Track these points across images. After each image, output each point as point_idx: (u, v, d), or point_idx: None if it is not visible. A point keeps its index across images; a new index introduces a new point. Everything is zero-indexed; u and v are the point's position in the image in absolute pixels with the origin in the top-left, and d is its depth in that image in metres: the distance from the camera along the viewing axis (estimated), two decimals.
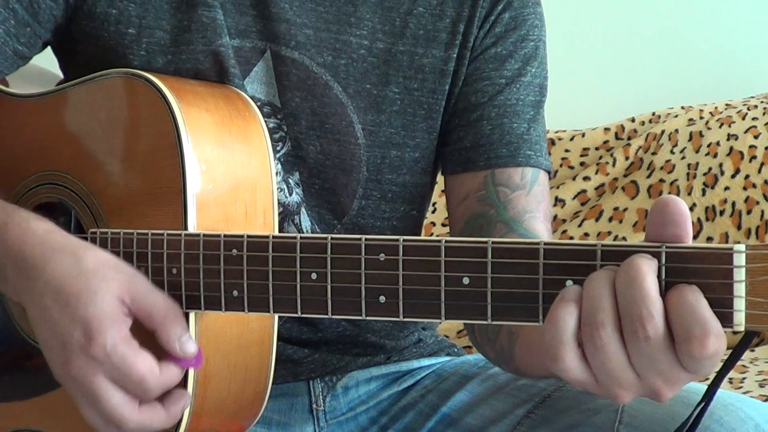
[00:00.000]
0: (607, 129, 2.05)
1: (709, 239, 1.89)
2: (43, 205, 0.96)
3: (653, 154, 1.98)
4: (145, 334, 0.80)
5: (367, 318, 0.75)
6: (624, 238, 1.93)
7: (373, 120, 1.02)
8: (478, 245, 0.70)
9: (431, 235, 1.95)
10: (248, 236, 0.79)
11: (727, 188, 1.90)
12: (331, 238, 0.75)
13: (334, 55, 1.01)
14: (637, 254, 0.65)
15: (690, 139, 1.97)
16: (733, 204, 1.89)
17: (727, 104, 2.02)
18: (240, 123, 0.93)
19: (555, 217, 1.97)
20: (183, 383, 0.85)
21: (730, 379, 1.59)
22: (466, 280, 0.70)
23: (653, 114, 2.05)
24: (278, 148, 1.01)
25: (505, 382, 1.06)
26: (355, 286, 0.74)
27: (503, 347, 0.91)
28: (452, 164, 1.06)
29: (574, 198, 1.99)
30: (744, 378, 1.59)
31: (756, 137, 1.92)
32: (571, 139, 2.05)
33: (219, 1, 0.98)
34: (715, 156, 1.93)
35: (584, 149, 2.03)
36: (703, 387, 0.74)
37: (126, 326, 0.78)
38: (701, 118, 1.99)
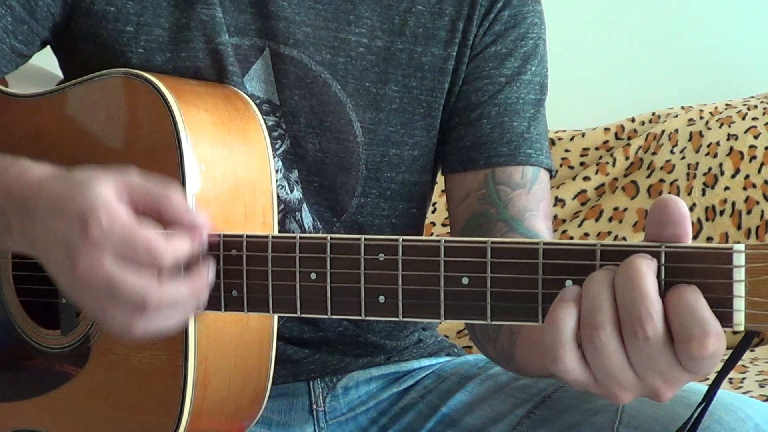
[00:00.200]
0: (607, 129, 2.05)
1: (709, 239, 1.89)
2: None
3: (653, 154, 1.98)
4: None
5: (367, 318, 0.75)
6: (624, 238, 1.92)
7: (372, 118, 1.02)
8: (477, 245, 0.70)
9: (431, 235, 1.95)
10: (248, 236, 0.79)
11: (727, 188, 1.90)
12: (331, 238, 0.75)
13: (332, 53, 1.01)
14: (637, 254, 0.65)
15: (690, 139, 1.97)
16: (733, 204, 1.89)
17: (727, 104, 2.02)
18: (239, 123, 0.93)
19: (555, 217, 1.97)
20: (183, 372, 0.85)
21: (730, 379, 1.59)
22: (465, 280, 0.70)
23: (653, 114, 2.05)
24: (277, 145, 1.01)
25: (505, 383, 1.06)
26: (355, 286, 0.74)
27: (504, 347, 0.91)
28: (452, 163, 1.06)
29: (574, 198, 1.99)
30: (744, 378, 1.59)
31: (756, 137, 1.92)
32: (571, 139, 2.05)
33: None
34: (715, 156, 1.93)
35: (584, 149, 2.03)
36: (703, 387, 0.74)
37: (123, 209, 0.74)
38: (701, 118, 1.99)
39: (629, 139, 2.03)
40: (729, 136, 1.94)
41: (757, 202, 1.88)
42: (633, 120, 2.05)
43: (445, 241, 0.71)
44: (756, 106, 1.98)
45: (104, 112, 0.93)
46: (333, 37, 1.01)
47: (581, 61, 2.22)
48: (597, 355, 0.64)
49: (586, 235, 1.95)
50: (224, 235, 0.79)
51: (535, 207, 1.01)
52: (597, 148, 2.03)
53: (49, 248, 0.77)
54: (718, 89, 2.13)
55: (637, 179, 1.97)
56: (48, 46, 1.03)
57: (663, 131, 1.99)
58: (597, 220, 1.96)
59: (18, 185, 0.80)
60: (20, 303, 1.01)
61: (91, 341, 0.93)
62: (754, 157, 1.91)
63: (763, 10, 2.26)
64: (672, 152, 1.96)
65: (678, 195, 1.91)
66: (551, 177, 1.07)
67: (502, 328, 0.92)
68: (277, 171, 1.00)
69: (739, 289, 0.63)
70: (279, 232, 0.98)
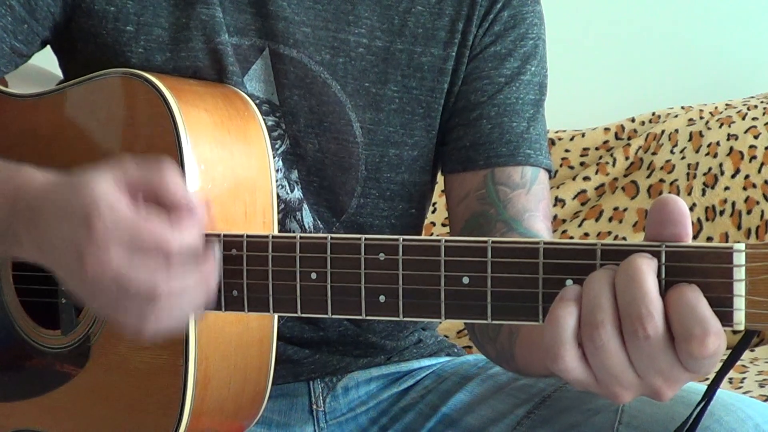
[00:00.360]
0: (607, 129, 2.05)
1: (709, 239, 1.89)
2: None
3: (653, 154, 1.98)
4: None
5: (367, 317, 0.74)
6: (624, 238, 1.92)
7: (371, 118, 1.02)
8: (477, 245, 0.70)
9: (431, 235, 1.95)
10: (248, 236, 0.79)
11: (727, 188, 1.90)
12: (331, 238, 0.75)
13: (332, 53, 1.01)
14: (637, 253, 0.65)
15: (690, 139, 1.97)
16: (733, 204, 1.89)
17: (727, 104, 2.02)
18: (239, 123, 0.93)
19: (555, 217, 1.97)
20: (183, 372, 0.85)
21: (730, 379, 1.59)
22: (465, 280, 0.70)
23: (653, 114, 2.05)
24: (277, 145, 1.01)
25: (505, 383, 1.06)
26: (355, 286, 0.74)
27: (504, 347, 0.91)
28: (452, 163, 1.06)
29: (574, 198, 1.99)
30: (744, 378, 1.59)
31: (756, 137, 1.92)
32: (571, 139, 2.05)
33: None
34: (715, 156, 1.93)
35: (584, 149, 2.03)
36: (703, 387, 0.74)
37: (123, 201, 0.73)
38: (701, 118, 1.99)
39: (629, 139, 2.03)
40: (729, 136, 1.94)
41: (757, 202, 1.88)
42: (633, 120, 2.05)
43: (446, 241, 0.71)
44: (756, 106, 1.98)
45: (104, 112, 0.93)
46: (332, 37, 1.01)
47: (581, 61, 2.22)
48: (597, 354, 0.64)
49: (586, 235, 1.95)
50: (224, 235, 0.79)
51: (535, 207, 1.01)
52: (597, 148, 2.03)
53: (58, 255, 0.76)
54: (718, 89, 2.13)
55: (637, 179, 1.97)
56: (48, 46, 1.03)
57: (663, 131, 1.99)
58: (597, 220, 1.96)
59: (23, 195, 0.80)
60: (20, 303, 1.01)
61: (91, 341, 0.93)
62: (754, 157, 1.91)
63: (763, 10, 2.26)
64: (672, 152, 1.96)
65: (678, 195, 1.90)
66: (550, 177, 1.07)
67: (501, 328, 0.92)
68: (277, 171, 1.00)
69: (740, 288, 0.63)
70: (279, 231, 0.98)
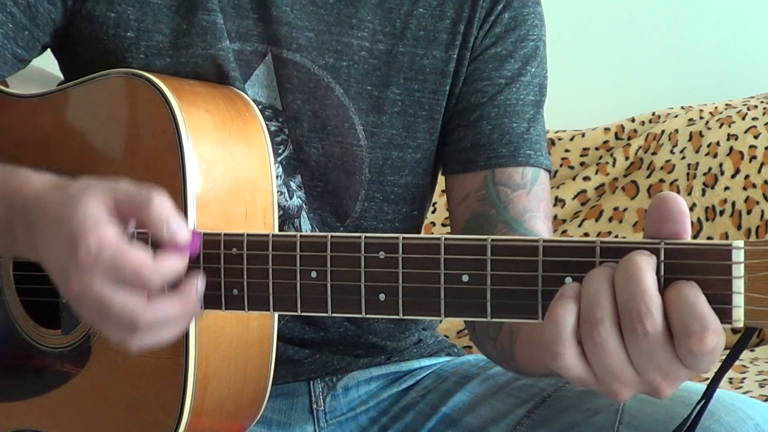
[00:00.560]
0: (607, 129, 2.05)
1: (709, 239, 1.89)
2: None
3: (653, 154, 1.98)
4: None
5: (367, 316, 0.75)
6: (624, 238, 1.92)
7: (374, 121, 1.03)
8: (477, 243, 0.70)
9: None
10: (248, 235, 0.79)
11: (727, 188, 1.90)
12: (331, 237, 0.75)
13: (335, 57, 1.01)
14: (636, 251, 0.65)
15: (690, 139, 1.97)
16: (733, 204, 1.89)
17: (727, 104, 2.02)
18: (240, 123, 0.93)
19: (555, 217, 1.97)
20: (184, 372, 0.85)
21: (730, 379, 1.59)
22: (465, 278, 0.70)
23: (653, 114, 2.05)
24: (280, 151, 1.01)
25: (505, 382, 1.06)
26: (355, 284, 0.74)
27: (504, 346, 0.92)
28: (452, 164, 1.06)
29: (574, 198, 1.99)
30: (744, 378, 1.59)
31: (756, 137, 1.92)
32: (571, 139, 2.05)
33: (219, 5, 0.98)
34: (715, 156, 1.93)
35: (584, 149, 2.03)
36: (703, 387, 0.74)
37: (111, 227, 0.74)
38: (701, 118, 1.99)
39: (629, 139, 2.03)
40: (729, 136, 1.94)
41: (757, 202, 1.88)
42: (633, 120, 2.05)
43: (446, 239, 0.71)
44: (756, 106, 1.98)
45: (105, 112, 0.93)
46: (335, 41, 1.01)
47: (581, 61, 2.22)
48: (597, 351, 0.64)
49: (586, 235, 1.95)
50: (225, 234, 0.79)
51: (535, 208, 1.01)
52: (597, 148, 2.03)
53: (50, 263, 0.78)
54: (718, 89, 2.13)
55: (637, 179, 1.97)
56: (49, 49, 1.03)
57: (663, 131, 1.99)
58: (597, 220, 1.96)
59: (20, 197, 0.81)
60: (21, 303, 1.01)
61: (91, 341, 0.93)
62: (754, 157, 1.91)
63: (763, 10, 2.26)
64: (672, 152, 1.96)
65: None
66: (550, 177, 1.07)
67: (501, 327, 0.92)
68: (277, 177, 0.99)
69: (738, 285, 0.63)
70: None
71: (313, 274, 0.76)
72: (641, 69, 2.26)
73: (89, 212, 0.74)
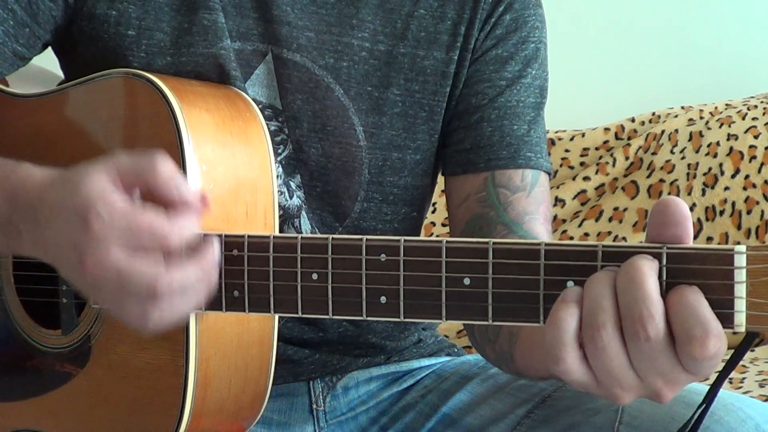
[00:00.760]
0: (607, 129, 2.05)
1: (709, 239, 1.89)
2: None
3: (653, 154, 1.98)
4: None
5: (368, 319, 0.75)
6: (624, 239, 1.93)
7: (374, 122, 1.02)
8: (478, 246, 0.70)
9: (431, 235, 1.95)
10: (249, 236, 0.79)
11: (727, 188, 1.90)
12: (332, 239, 0.75)
13: (335, 57, 1.01)
14: (638, 255, 0.65)
15: (690, 139, 1.97)
16: (733, 204, 1.89)
17: (727, 104, 2.02)
18: (241, 124, 0.93)
19: (555, 217, 1.97)
20: (184, 373, 0.85)
21: (730, 379, 1.59)
22: (467, 281, 0.70)
23: (653, 114, 2.05)
24: (279, 150, 1.01)
25: (505, 382, 1.06)
26: (356, 287, 0.74)
27: (503, 349, 0.92)
28: (452, 165, 1.06)
29: (574, 198, 1.99)
30: (744, 378, 1.59)
31: (756, 137, 1.92)
32: (571, 139, 2.05)
33: (220, 4, 0.98)
34: (715, 156, 1.93)
35: (584, 149, 2.03)
36: (703, 387, 0.74)
37: (118, 196, 0.73)
38: (701, 118, 1.99)
39: (629, 139, 2.03)
40: (729, 136, 1.94)
41: (757, 202, 1.88)
42: (633, 120, 2.05)
43: (447, 242, 0.71)
44: (756, 106, 1.98)
45: (106, 112, 0.93)
46: (336, 41, 1.01)
47: (581, 61, 2.22)
48: (598, 355, 0.64)
49: (586, 235, 1.95)
50: (225, 236, 0.79)
51: (535, 210, 1.01)
52: (597, 148, 2.03)
53: (58, 252, 0.77)
54: (718, 89, 2.13)
55: (637, 179, 1.97)
56: (49, 47, 1.03)
57: (663, 131, 1.99)
58: (597, 220, 1.96)
59: (22, 192, 0.80)
60: (21, 303, 1.01)
61: (91, 341, 0.93)
62: (754, 157, 1.91)
63: (763, 10, 2.26)
64: (672, 152, 1.96)
65: (678, 195, 1.91)
66: (550, 179, 1.07)
67: (501, 329, 0.92)
68: (277, 177, 0.99)
69: (740, 290, 0.63)
70: None
71: (314, 276, 0.76)
72: (641, 69, 2.26)
73: (94, 186, 0.73)
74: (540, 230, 0.99)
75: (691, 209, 1.86)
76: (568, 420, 0.96)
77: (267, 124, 0.95)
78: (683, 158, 1.95)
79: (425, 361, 1.14)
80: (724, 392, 0.85)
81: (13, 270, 1.02)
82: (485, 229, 0.99)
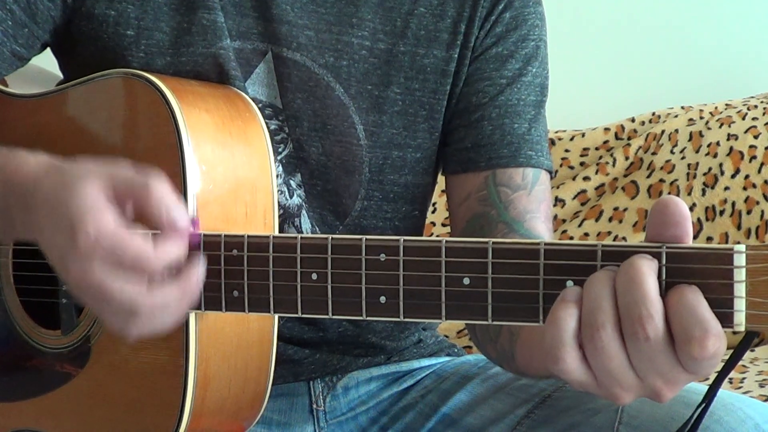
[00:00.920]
0: (607, 129, 2.05)
1: (709, 239, 1.89)
2: None
3: (653, 154, 1.98)
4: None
5: (368, 318, 0.75)
6: (624, 238, 1.93)
7: (374, 121, 1.02)
8: (478, 246, 0.70)
9: (431, 235, 1.95)
10: (249, 236, 0.79)
11: (727, 188, 1.90)
12: (332, 239, 0.75)
13: (335, 56, 1.01)
14: (638, 255, 0.65)
15: (690, 139, 1.97)
16: (733, 204, 1.89)
17: (727, 104, 2.02)
18: (240, 124, 0.93)
19: (555, 217, 1.97)
20: (184, 373, 0.85)
21: (730, 379, 1.59)
22: (466, 281, 0.70)
23: (653, 114, 2.05)
24: (280, 149, 1.01)
25: (505, 382, 1.06)
26: (356, 287, 0.74)
27: (504, 347, 0.92)
28: (453, 164, 1.06)
29: (574, 198, 1.99)
30: (744, 378, 1.59)
31: (756, 137, 1.92)
32: (571, 139, 2.05)
33: (219, 3, 0.98)
34: (715, 156, 1.93)
35: (584, 149, 2.03)
36: (703, 387, 0.74)
37: (109, 212, 0.74)
38: (701, 118, 1.99)
39: (629, 139, 2.03)
40: (729, 136, 1.94)
41: (757, 202, 1.88)
42: (633, 120, 2.05)
43: (447, 242, 0.71)
44: (756, 106, 1.98)
45: (105, 113, 0.93)
46: (336, 40, 1.01)
47: (581, 61, 2.22)
48: (598, 355, 0.64)
49: (586, 235, 1.95)
50: (225, 236, 0.79)
51: (536, 208, 1.01)
52: (597, 148, 2.03)
53: (49, 250, 0.77)
54: (718, 89, 2.13)
55: (637, 179, 1.97)
56: (48, 48, 1.03)
57: (663, 131, 1.99)
58: (597, 220, 1.96)
59: (18, 180, 0.80)
60: (20, 303, 1.01)
61: (91, 341, 0.93)
62: (754, 157, 1.91)
63: (763, 10, 2.26)
64: (672, 152, 1.96)
65: (678, 195, 1.91)
66: (551, 178, 1.07)
67: (502, 328, 0.92)
68: (277, 176, 0.99)
69: (740, 289, 0.63)
70: None
71: (314, 276, 0.76)
72: (641, 69, 2.26)
73: (87, 199, 0.74)
74: (541, 229, 0.99)
75: (691, 209, 1.86)
76: (568, 420, 0.96)
77: (267, 123, 0.96)
78: (683, 158, 1.95)
79: (425, 361, 1.14)
80: (724, 392, 0.85)
81: (13, 270, 1.02)
82: (486, 227, 0.99)
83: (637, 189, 1.96)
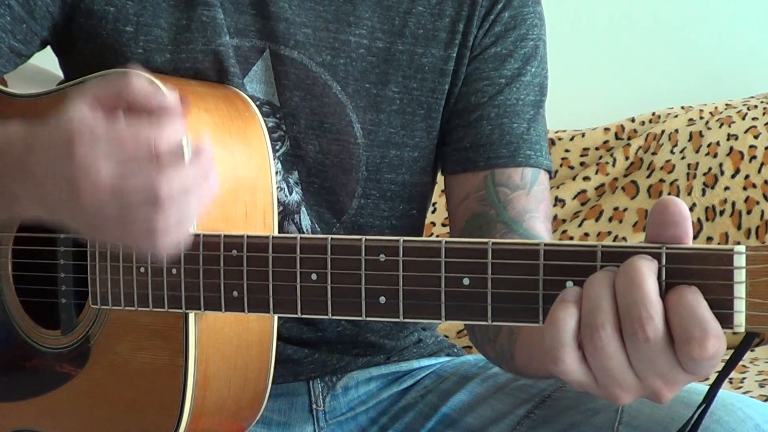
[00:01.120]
0: (607, 129, 2.05)
1: (709, 239, 1.89)
2: None
3: (653, 154, 1.98)
4: None
5: (367, 319, 0.75)
6: (624, 238, 1.93)
7: (372, 119, 1.02)
8: (478, 246, 0.70)
9: (431, 235, 1.95)
10: (248, 237, 0.79)
11: (727, 188, 1.90)
12: (331, 239, 0.75)
13: (333, 54, 1.01)
14: (637, 255, 0.65)
15: (690, 139, 1.97)
16: (733, 204, 1.89)
17: (727, 104, 2.02)
18: (240, 123, 0.93)
19: (555, 217, 1.97)
20: (183, 373, 0.85)
21: (730, 379, 1.59)
22: (466, 281, 0.70)
23: (653, 114, 2.05)
24: (277, 147, 1.01)
25: (505, 382, 1.06)
26: (356, 287, 0.74)
27: (503, 348, 0.92)
28: (452, 164, 1.06)
29: (574, 198, 1.99)
30: (744, 378, 1.59)
31: (756, 137, 1.92)
32: (571, 139, 2.05)
33: (219, 0, 0.98)
34: (715, 156, 1.93)
35: (584, 149, 2.03)
36: (703, 387, 0.74)
37: (99, 116, 0.72)
38: (701, 118, 1.99)
39: (629, 139, 2.03)
40: (729, 136, 1.94)
41: (757, 202, 1.88)
42: (633, 120, 2.05)
43: (446, 242, 0.71)
44: (756, 106, 1.98)
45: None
46: (333, 38, 1.01)
47: (581, 61, 2.22)
48: (597, 356, 0.64)
49: (586, 235, 1.95)
50: (225, 236, 0.79)
51: (535, 208, 1.01)
52: (597, 148, 2.03)
53: (55, 198, 0.75)
54: (718, 89, 2.13)
55: (637, 179, 1.97)
56: (48, 46, 1.03)
57: (663, 131, 1.99)
58: (597, 220, 1.96)
59: (9, 150, 0.79)
60: (20, 303, 1.01)
61: (91, 341, 0.93)
62: (754, 157, 1.91)
63: (763, 10, 2.26)
64: (672, 152, 1.96)
65: (678, 195, 1.91)
66: (550, 178, 1.07)
67: (501, 328, 0.92)
68: (276, 173, 0.99)
69: (740, 290, 0.63)
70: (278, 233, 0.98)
71: (314, 277, 0.76)
72: (641, 69, 2.26)
73: (77, 116, 0.73)
74: (540, 228, 0.99)
75: (691, 209, 1.86)
76: (568, 420, 0.96)
77: (265, 121, 0.96)
78: (683, 158, 1.95)
79: (425, 361, 1.14)
80: (724, 392, 0.85)
81: (13, 270, 1.02)
82: (485, 227, 0.99)
83: (637, 189, 1.96)
